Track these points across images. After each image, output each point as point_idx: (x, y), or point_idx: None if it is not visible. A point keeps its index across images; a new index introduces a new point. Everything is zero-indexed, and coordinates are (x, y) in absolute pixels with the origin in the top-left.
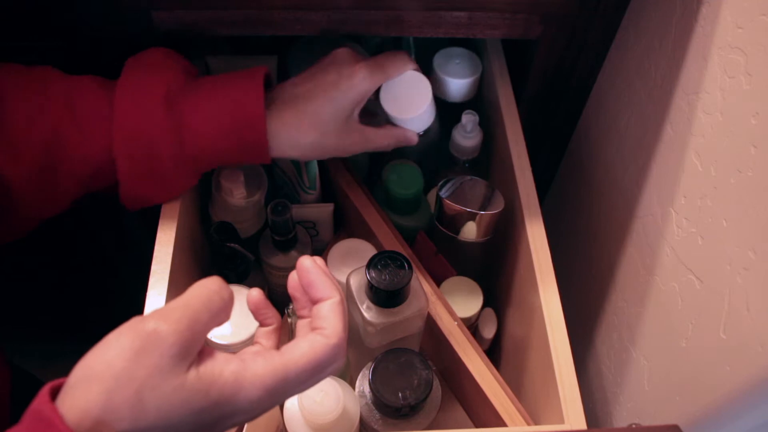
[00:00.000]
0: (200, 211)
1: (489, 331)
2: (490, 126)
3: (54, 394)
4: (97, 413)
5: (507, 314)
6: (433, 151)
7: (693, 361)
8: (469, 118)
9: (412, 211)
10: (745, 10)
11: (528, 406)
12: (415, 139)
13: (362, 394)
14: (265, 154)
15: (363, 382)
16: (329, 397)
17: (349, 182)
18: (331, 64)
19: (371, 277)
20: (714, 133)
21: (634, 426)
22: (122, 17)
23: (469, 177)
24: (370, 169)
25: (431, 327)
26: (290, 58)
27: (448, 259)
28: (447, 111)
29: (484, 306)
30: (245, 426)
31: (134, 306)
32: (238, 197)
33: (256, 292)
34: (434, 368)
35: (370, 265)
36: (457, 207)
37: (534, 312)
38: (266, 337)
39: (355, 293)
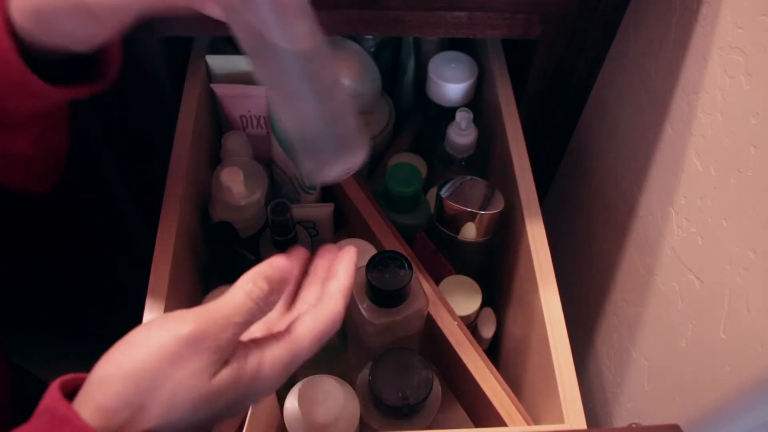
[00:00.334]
0: (200, 211)
1: (488, 331)
2: (490, 126)
3: (64, 390)
4: (130, 413)
5: (507, 314)
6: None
7: (693, 361)
8: (463, 116)
9: (411, 209)
10: (745, 10)
11: (528, 406)
12: None
13: (362, 394)
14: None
15: (363, 382)
16: (329, 397)
17: (349, 182)
18: None
19: (371, 277)
20: (714, 133)
21: (634, 426)
22: None
23: (469, 177)
24: (370, 169)
25: (431, 327)
26: None
27: (447, 259)
28: (444, 115)
29: (483, 305)
30: (245, 426)
31: (134, 306)
32: (238, 197)
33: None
34: (434, 368)
35: (370, 265)
36: (457, 207)
37: (534, 312)
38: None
39: (355, 293)
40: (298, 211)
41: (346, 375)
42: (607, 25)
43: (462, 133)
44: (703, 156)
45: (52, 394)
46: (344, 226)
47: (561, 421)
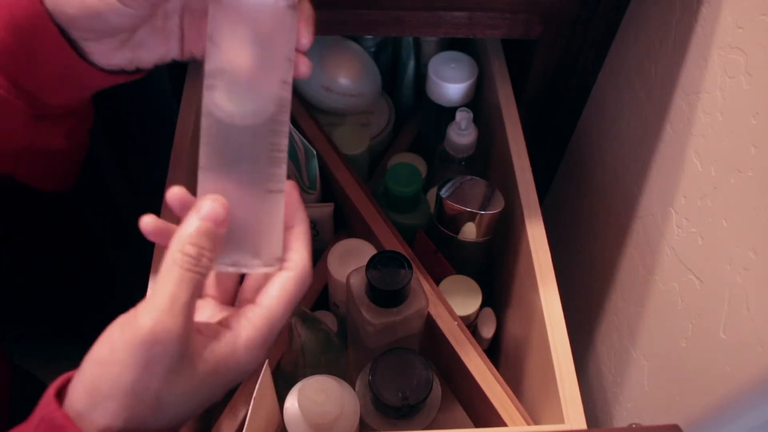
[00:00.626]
0: None
1: (488, 331)
2: (490, 126)
3: (59, 396)
4: (122, 425)
5: (507, 314)
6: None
7: (693, 361)
8: (463, 116)
9: (411, 209)
10: (745, 10)
11: (528, 406)
12: None
13: (362, 394)
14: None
15: (363, 382)
16: (329, 397)
17: (349, 182)
18: None
19: (371, 277)
20: (714, 133)
21: (634, 426)
22: None
23: (469, 177)
24: (370, 169)
25: (431, 327)
26: None
27: (447, 259)
28: (444, 115)
29: (483, 305)
30: (245, 426)
31: (134, 306)
32: None
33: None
34: (434, 368)
35: (370, 265)
36: (457, 207)
37: (534, 312)
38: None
39: (355, 293)
40: None
41: (346, 375)
42: (607, 25)
43: (462, 133)
44: (703, 156)
45: (48, 399)
46: (344, 226)
47: (561, 421)
